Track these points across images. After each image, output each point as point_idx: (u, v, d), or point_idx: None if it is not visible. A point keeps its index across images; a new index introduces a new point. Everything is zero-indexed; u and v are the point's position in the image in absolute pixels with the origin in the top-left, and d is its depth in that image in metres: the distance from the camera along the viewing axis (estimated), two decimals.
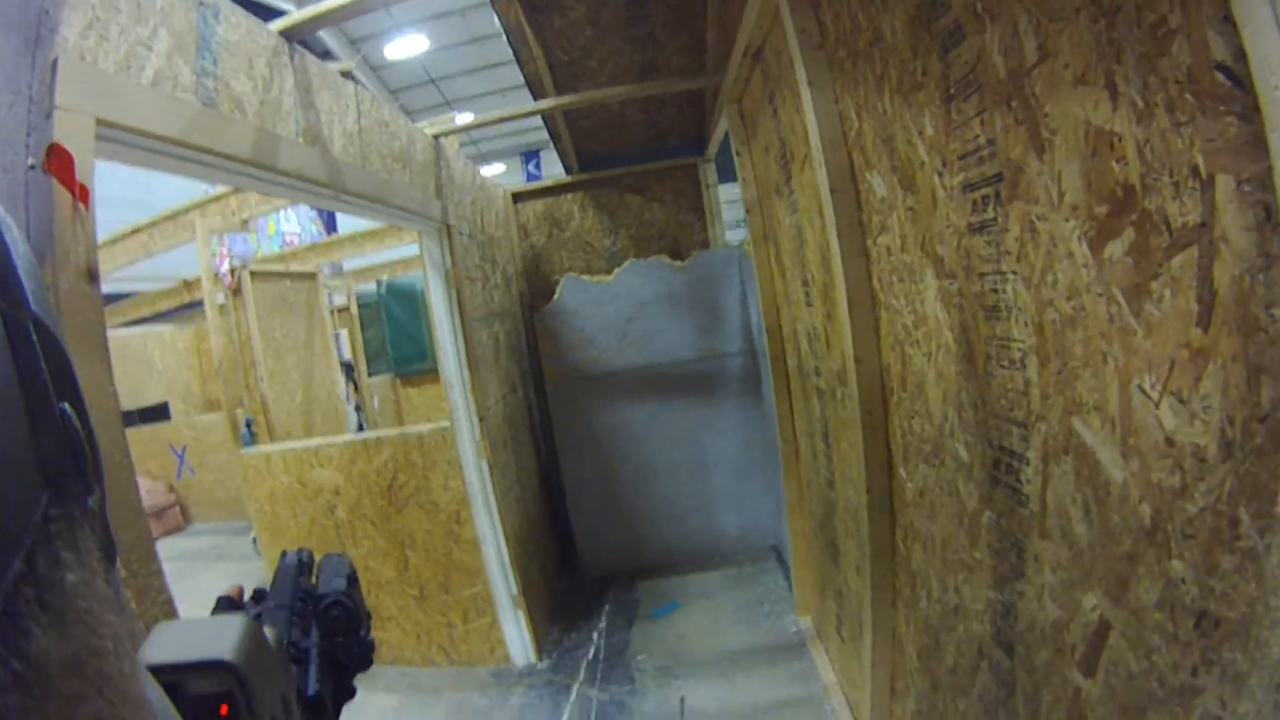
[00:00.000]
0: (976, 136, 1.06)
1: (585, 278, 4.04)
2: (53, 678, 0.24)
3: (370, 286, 7.93)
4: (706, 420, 4.18)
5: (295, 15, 1.97)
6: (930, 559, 1.56)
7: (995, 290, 1.11)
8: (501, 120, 3.55)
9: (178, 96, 1.49)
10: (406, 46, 10.90)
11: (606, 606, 3.80)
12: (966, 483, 1.31)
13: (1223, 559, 0.67)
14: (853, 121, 1.62)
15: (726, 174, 4.75)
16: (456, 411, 3.12)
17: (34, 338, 0.28)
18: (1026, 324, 1.03)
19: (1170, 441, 0.75)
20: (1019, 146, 0.95)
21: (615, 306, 4.03)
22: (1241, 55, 0.57)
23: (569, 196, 4.57)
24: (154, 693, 0.41)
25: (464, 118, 3.64)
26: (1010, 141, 0.97)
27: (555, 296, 4.03)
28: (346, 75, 2.25)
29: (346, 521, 3.32)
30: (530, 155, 17.12)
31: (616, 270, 4.04)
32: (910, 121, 1.29)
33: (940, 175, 1.22)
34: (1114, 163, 0.78)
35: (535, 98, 3.43)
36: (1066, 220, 0.88)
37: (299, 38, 1.98)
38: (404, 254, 7.52)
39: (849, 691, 2.57)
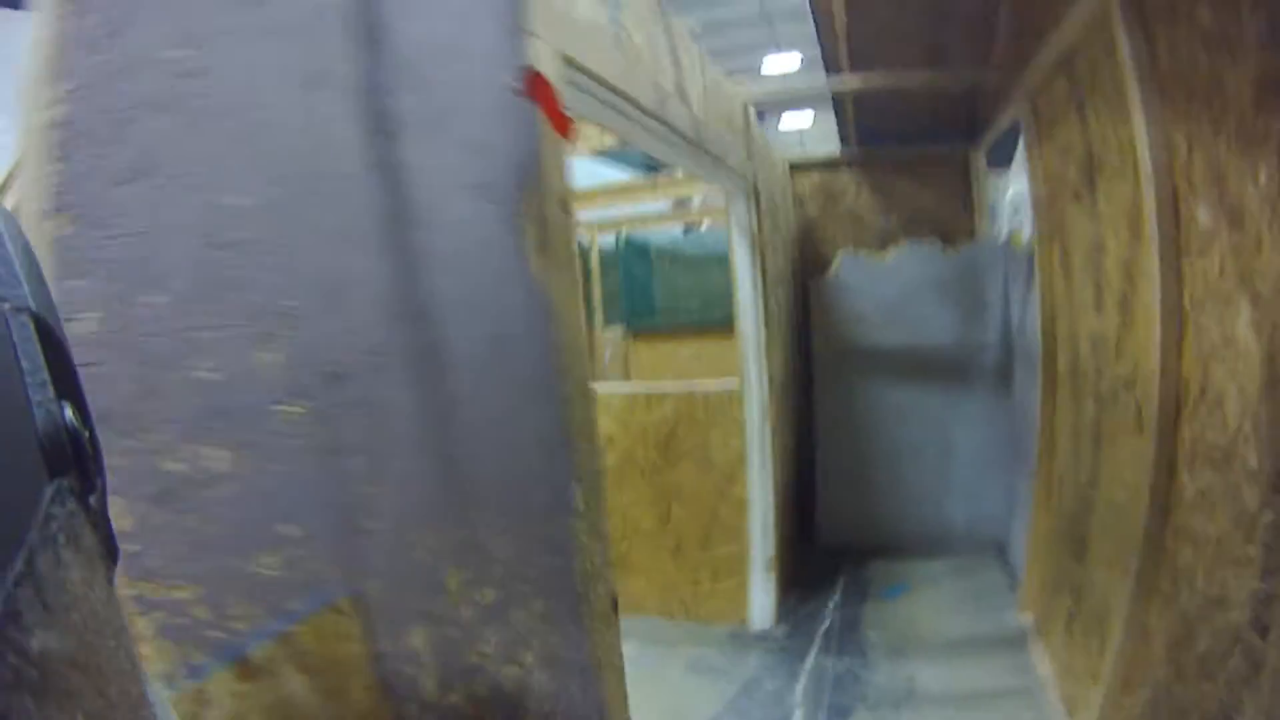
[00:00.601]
0: None
1: (862, 255, 4.41)
2: (54, 675, 0.26)
3: (609, 239, 8.77)
4: (956, 408, 4.45)
5: None
6: (1199, 556, 1.85)
7: None
8: (805, 98, 3.99)
9: (606, 39, 1.67)
10: None
11: (840, 580, 4.20)
12: (1250, 486, 1.60)
13: None
14: (1181, 152, 1.88)
15: (996, 161, 4.89)
16: (748, 372, 3.52)
17: (35, 336, 0.29)
18: None
19: None
20: None
21: (887, 286, 4.39)
22: None
23: (844, 172, 4.92)
24: (153, 692, 0.46)
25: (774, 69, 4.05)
26: None
27: (833, 269, 4.44)
28: (695, 36, 2.71)
29: (616, 468, 3.70)
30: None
31: (893, 250, 4.38)
32: (1245, 168, 1.58)
33: (1270, 224, 1.51)
34: None
35: (828, 70, 3.82)
36: None
37: None
38: (641, 211, 8.23)
39: (1066, 686, 2.83)
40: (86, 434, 0.32)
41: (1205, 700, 1.68)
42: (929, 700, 3.07)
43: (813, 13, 3.39)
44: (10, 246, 0.31)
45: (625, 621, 3.88)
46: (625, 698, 1.81)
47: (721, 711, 3.10)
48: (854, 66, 3.77)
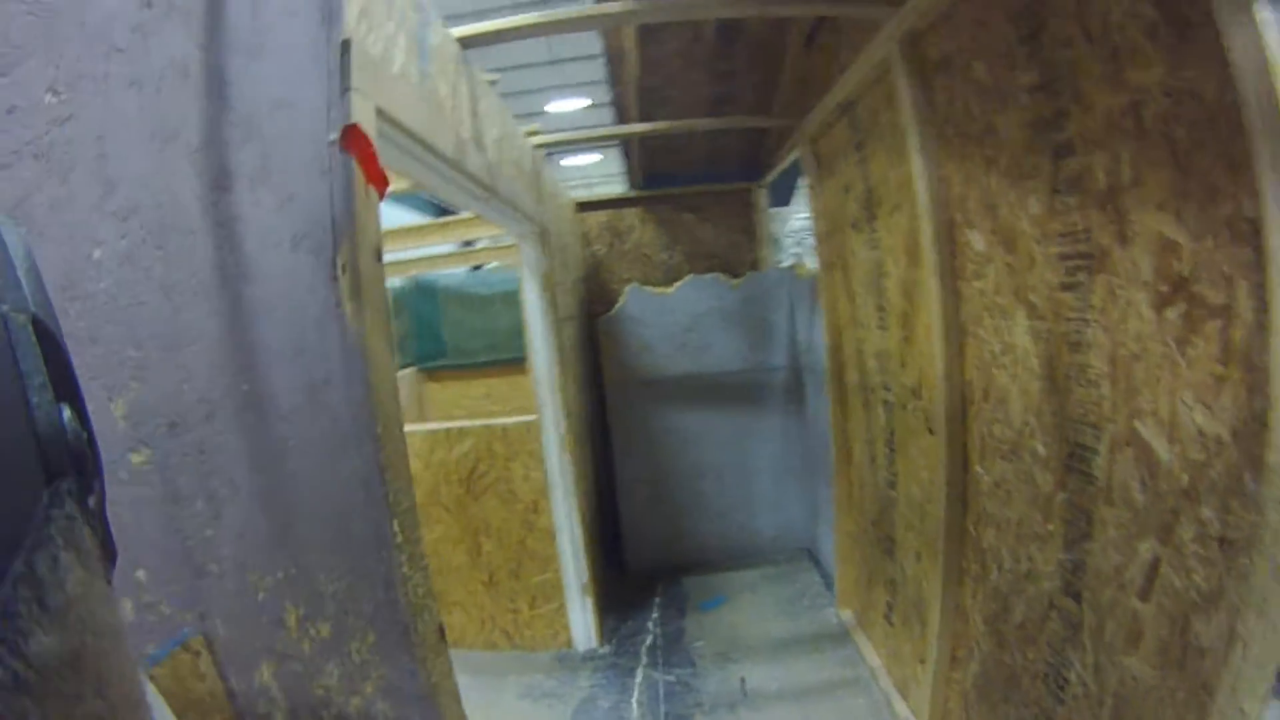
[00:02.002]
0: (1075, 224, 1.63)
1: (648, 289, 4.61)
2: (52, 677, 0.26)
3: (398, 281, 8.45)
4: (750, 427, 4.75)
5: (476, 27, 2.39)
6: (1003, 537, 2.12)
7: (1079, 331, 1.68)
8: (596, 140, 4.11)
9: (415, 92, 1.74)
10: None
11: (656, 599, 4.35)
12: (1043, 472, 1.88)
13: (1233, 501, 1.23)
14: (955, 187, 2.19)
15: (776, 200, 5.38)
16: (544, 406, 3.64)
17: (34, 339, 0.30)
18: (1102, 357, 1.60)
19: (1201, 433, 1.31)
20: (1109, 237, 1.52)
21: (674, 317, 4.61)
22: (1259, 217, 1.14)
23: (629, 211, 5.16)
24: (152, 693, 0.46)
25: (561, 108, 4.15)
26: (1102, 234, 1.54)
27: (620, 304, 4.59)
28: (492, 84, 2.77)
29: (422, 507, 3.77)
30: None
31: (676, 284, 4.62)
32: (1016, 200, 1.86)
33: (1039, 244, 1.79)
34: (1174, 260, 1.35)
35: (619, 117, 4.00)
36: (1139, 291, 1.45)
37: (468, 46, 2.35)
38: (427, 253, 8.04)
39: (895, 671, 3.13)
40: (85, 436, 0.32)
41: (1032, 663, 1.92)
42: (764, 698, 3.24)
43: (607, 63, 3.55)
44: (11, 250, 0.31)
45: (451, 655, 3.78)
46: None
47: None
48: (643, 114, 3.98)
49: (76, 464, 0.31)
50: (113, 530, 0.36)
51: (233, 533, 1.00)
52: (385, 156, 1.57)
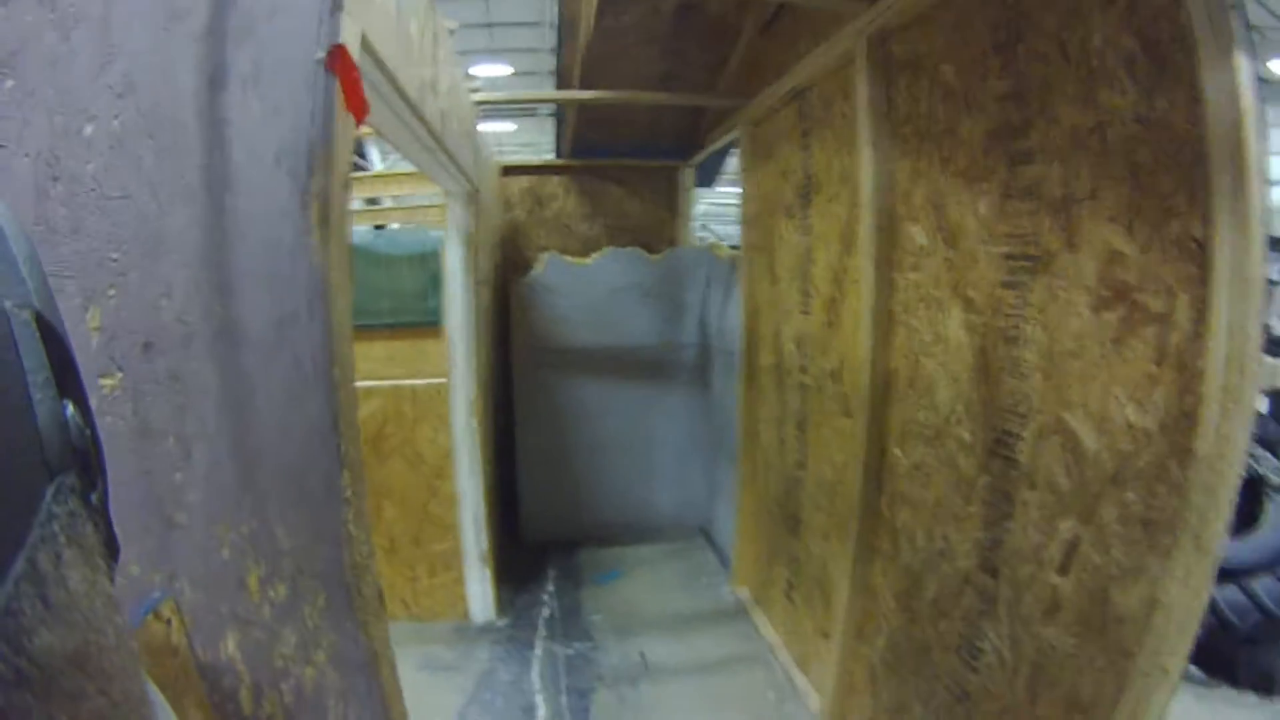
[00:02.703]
0: (1024, 228, 1.77)
1: (567, 258, 4.58)
2: (55, 675, 0.26)
3: None
4: (656, 403, 4.84)
5: None
6: (919, 517, 2.28)
7: (1016, 327, 1.83)
8: (538, 101, 4.03)
9: (394, 26, 1.71)
10: None
11: (551, 571, 4.37)
12: (967, 457, 2.03)
13: (1159, 488, 1.39)
14: (903, 182, 2.31)
15: (700, 180, 5.45)
16: (455, 368, 3.57)
17: (37, 334, 0.30)
18: (1037, 352, 1.75)
19: (1130, 426, 1.47)
20: (1057, 243, 1.66)
21: (590, 289, 4.61)
22: (1207, 238, 1.28)
23: (555, 178, 5.10)
24: (154, 691, 0.45)
25: (493, 71, 4.06)
26: (1050, 239, 1.68)
27: (538, 271, 4.55)
28: (452, 33, 2.68)
29: None
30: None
31: (596, 255, 4.62)
32: (966, 200, 1.99)
33: (985, 244, 1.93)
34: (1119, 268, 1.49)
35: (559, 83, 3.94)
36: (1081, 294, 1.60)
37: None
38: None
39: (794, 647, 3.30)
40: (88, 432, 0.33)
41: (945, 635, 2.08)
42: (664, 672, 3.34)
43: (558, 28, 3.49)
44: (13, 243, 0.31)
45: None
46: (401, 692, 1.86)
47: (465, 705, 3.12)
48: (584, 83, 3.94)
49: (80, 460, 0.31)
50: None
51: (200, 477, 0.94)
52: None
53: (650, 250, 4.89)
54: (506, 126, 11.57)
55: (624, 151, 4.97)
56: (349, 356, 1.51)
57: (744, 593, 3.98)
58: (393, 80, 1.76)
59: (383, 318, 6.51)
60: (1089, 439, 1.58)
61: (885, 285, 2.43)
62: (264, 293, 1.17)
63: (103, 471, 0.35)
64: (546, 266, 4.58)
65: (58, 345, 0.31)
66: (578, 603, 4.02)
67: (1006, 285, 1.86)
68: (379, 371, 5.23)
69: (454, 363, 3.60)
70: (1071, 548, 1.61)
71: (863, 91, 2.34)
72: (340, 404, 1.43)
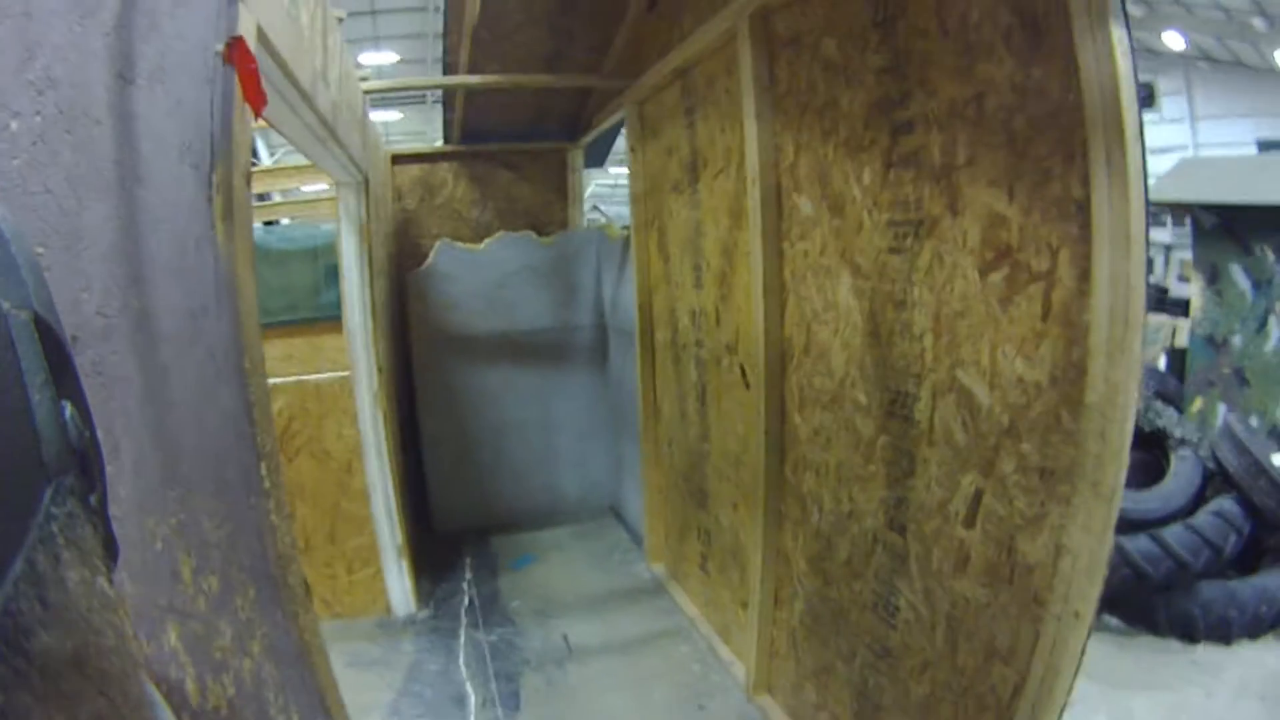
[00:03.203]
0: (907, 195, 1.80)
1: (459, 245, 4.43)
2: (54, 675, 0.26)
3: None
4: (556, 385, 4.77)
5: None
6: (824, 481, 2.33)
7: (905, 291, 1.87)
8: (426, 87, 3.83)
9: (288, 18, 1.67)
10: None
11: (467, 559, 4.27)
12: (865, 419, 2.08)
13: (1053, 437, 1.45)
14: (788, 155, 2.32)
15: (590, 161, 5.36)
16: (357, 361, 3.41)
17: (36, 337, 0.30)
18: (926, 314, 1.79)
19: (1021, 380, 1.52)
20: (939, 208, 1.70)
21: (484, 274, 4.48)
22: (1086, 198, 1.32)
23: (444, 165, 4.91)
24: (153, 691, 0.45)
25: (380, 58, 3.84)
26: (933, 204, 1.72)
27: (430, 260, 4.38)
28: (340, 21, 2.52)
29: None
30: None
31: (488, 240, 4.48)
32: (850, 169, 2.01)
33: (870, 212, 1.95)
34: (1002, 230, 1.54)
35: (446, 68, 3.76)
36: (966, 257, 1.64)
37: None
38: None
39: (714, 618, 3.33)
40: (87, 434, 0.32)
41: (860, 594, 2.13)
42: (588, 653, 3.32)
43: (444, 14, 3.31)
44: (13, 248, 0.31)
45: None
46: (336, 683, 1.84)
47: (396, 699, 3.03)
48: (473, 67, 3.78)
49: (78, 461, 0.31)
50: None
51: (129, 470, 0.92)
52: None
53: (542, 233, 4.79)
54: (392, 115, 11.19)
55: (513, 135, 4.84)
56: (258, 348, 1.48)
57: (659, 569, 3.99)
58: (286, 71, 1.70)
59: (279, 315, 6.24)
60: (982, 394, 1.63)
61: (775, 256, 2.44)
62: (176, 286, 1.16)
63: (101, 473, 0.34)
64: (438, 254, 4.41)
65: (56, 347, 0.31)
66: (496, 590, 3.93)
67: (893, 251, 1.89)
68: (279, 370, 4.97)
69: (355, 355, 3.44)
70: (975, 501, 1.67)
71: (746, 67, 2.32)
72: (254, 393, 1.43)
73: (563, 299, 4.72)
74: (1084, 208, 1.32)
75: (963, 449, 1.71)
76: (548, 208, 5.11)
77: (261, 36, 1.44)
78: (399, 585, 3.65)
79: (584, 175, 5.28)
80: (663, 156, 3.41)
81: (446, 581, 4.02)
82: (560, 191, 5.13)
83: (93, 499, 0.33)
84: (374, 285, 3.43)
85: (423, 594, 3.84)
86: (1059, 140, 1.36)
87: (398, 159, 4.85)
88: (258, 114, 1.41)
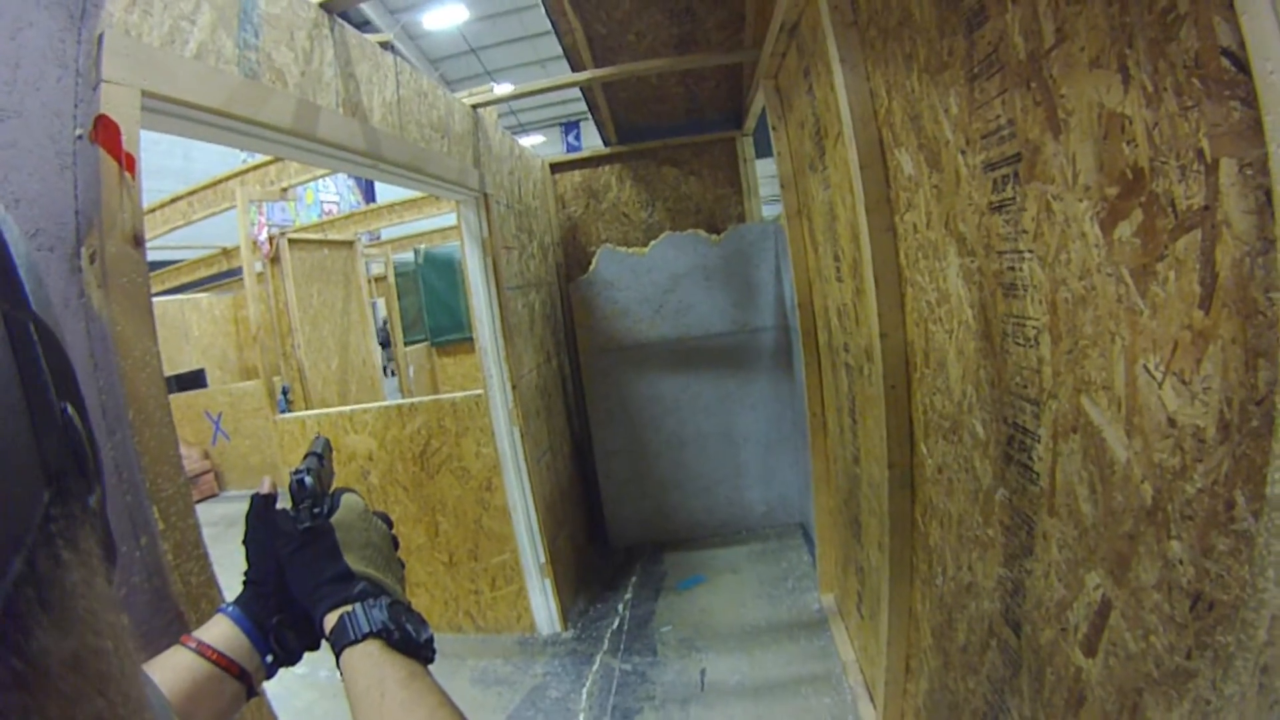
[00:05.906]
0: (998, 116, 1.06)
1: (621, 249, 4.07)
2: (53, 677, 0.24)
3: (408, 255, 8.06)
4: (737, 393, 4.20)
5: None
6: (946, 535, 1.58)
7: (1013, 269, 1.12)
8: (539, 91, 3.56)
9: (220, 69, 1.55)
10: (446, 16, 10.95)
11: (633, 578, 3.88)
12: (982, 459, 1.33)
13: (1218, 541, 0.68)
14: (883, 99, 1.61)
15: (763, 149, 4.73)
16: (490, 379, 3.19)
17: (34, 337, 0.28)
18: (1041, 302, 1.04)
19: (1172, 422, 0.76)
20: (1037, 128, 0.96)
21: (651, 278, 4.06)
22: (1243, 42, 0.58)
23: (606, 168, 4.58)
24: (153, 692, 0.43)
25: (503, 88, 3.65)
26: (1029, 123, 0.97)
27: (591, 267, 4.07)
28: (385, 46, 2.30)
29: (379, 487, 3.42)
30: (570, 127, 17.13)
31: (652, 243, 4.06)
32: (937, 100, 1.29)
33: (964, 154, 1.22)
34: (1125, 145, 0.78)
35: (574, 69, 3.44)
36: (1080, 201, 0.89)
37: (339, 10, 2.02)
38: (441, 223, 7.62)
39: (866, 669, 2.60)
40: (85, 435, 0.30)
41: (973, 696, 1.40)
42: (721, 693, 2.76)
43: (548, 15, 3.00)
44: (11, 248, 0.28)
45: None
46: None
47: None
48: (598, 63, 3.42)
49: (77, 463, 0.28)
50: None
51: None
52: (174, 132, 1.53)
53: (718, 230, 4.27)
54: (534, 139, 11.40)
55: (672, 130, 4.39)
56: (154, 395, 1.33)
57: (829, 600, 3.28)
58: (235, 115, 1.58)
59: (448, 334, 6.44)
60: (1117, 443, 0.87)
61: (884, 232, 1.73)
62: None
63: (100, 474, 0.31)
64: (600, 261, 4.08)
65: (55, 349, 0.29)
66: (651, 612, 3.49)
67: (994, 209, 1.15)
68: (465, 387, 5.05)
69: (488, 372, 3.21)
70: (1100, 616, 0.91)
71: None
72: (143, 442, 1.31)
73: (739, 300, 4.14)
74: (1243, 65, 0.58)
75: (1089, 529, 0.94)
76: (721, 202, 4.56)
77: (161, 98, 1.39)
78: (543, 604, 3.36)
79: (756, 164, 4.64)
80: (798, 132, 2.74)
81: (605, 601, 3.65)
82: (734, 184, 4.55)
83: (92, 500, 0.30)
84: (503, 301, 3.18)
85: (575, 612, 3.53)
86: None
87: (556, 166, 4.58)
88: (132, 175, 1.31)
